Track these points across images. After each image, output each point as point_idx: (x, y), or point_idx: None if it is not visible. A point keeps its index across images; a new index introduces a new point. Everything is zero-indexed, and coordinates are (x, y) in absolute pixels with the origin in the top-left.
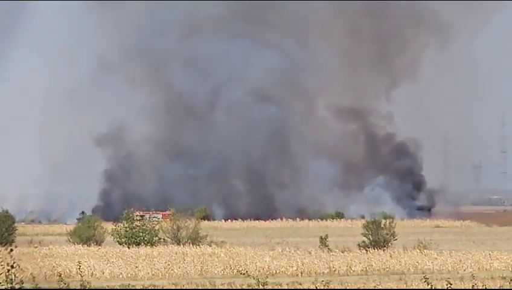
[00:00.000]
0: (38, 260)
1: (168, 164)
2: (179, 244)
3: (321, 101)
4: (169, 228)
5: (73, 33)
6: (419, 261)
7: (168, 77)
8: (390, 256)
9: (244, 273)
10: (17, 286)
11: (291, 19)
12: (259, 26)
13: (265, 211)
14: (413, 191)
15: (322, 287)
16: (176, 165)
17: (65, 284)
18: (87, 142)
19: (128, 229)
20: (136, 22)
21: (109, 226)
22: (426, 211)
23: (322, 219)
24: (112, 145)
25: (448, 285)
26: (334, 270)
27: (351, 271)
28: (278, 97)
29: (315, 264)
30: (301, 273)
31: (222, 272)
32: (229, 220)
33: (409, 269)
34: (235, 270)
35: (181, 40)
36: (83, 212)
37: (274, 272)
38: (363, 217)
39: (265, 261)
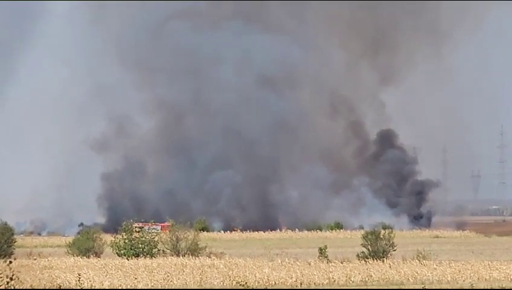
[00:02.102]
0: (38, 272)
1: (168, 170)
2: (178, 255)
3: (316, 99)
4: (169, 239)
5: (67, 36)
6: (418, 272)
7: (163, 73)
8: (390, 266)
9: (243, 285)
10: None
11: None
12: (258, 16)
13: (263, 220)
14: (409, 197)
15: None
16: (175, 171)
17: None
18: (87, 152)
19: (127, 240)
20: (130, 17)
21: (108, 237)
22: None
23: (320, 230)
24: (111, 147)
25: None
26: (334, 281)
27: (351, 282)
28: (276, 92)
29: (314, 275)
30: (300, 284)
31: (221, 283)
32: (228, 232)
33: (408, 279)
34: (234, 282)
35: (177, 32)
36: (81, 224)
37: (273, 283)
38: (362, 228)
39: (265, 272)
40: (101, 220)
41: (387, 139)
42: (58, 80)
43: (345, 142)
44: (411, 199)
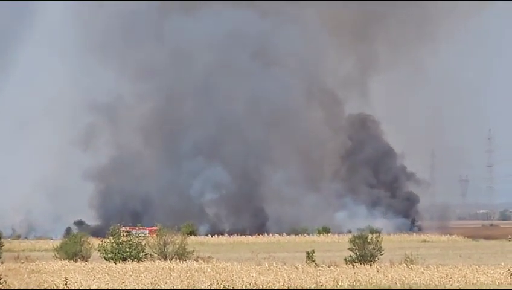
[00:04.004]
0: (25, 275)
1: (155, 170)
2: (165, 259)
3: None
4: (156, 243)
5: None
6: (406, 276)
7: (157, 63)
8: (377, 271)
9: (231, 289)
10: None
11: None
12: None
13: (251, 224)
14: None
15: None
16: (164, 173)
17: None
18: (76, 151)
19: (114, 244)
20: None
21: (96, 241)
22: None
23: (308, 234)
24: (99, 146)
25: None
26: (321, 285)
27: (338, 286)
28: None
29: (302, 279)
30: (288, 288)
31: (209, 287)
32: (215, 235)
33: (396, 283)
34: (221, 286)
35: (163, 17)
36: (69, 228)
37: (261, 287)
38: (349, 232)
39: (252, 276)
40: (94, 221)
41: (365, 124)
42: (49, 78)
43: (329, 136)
44: (389, 192)
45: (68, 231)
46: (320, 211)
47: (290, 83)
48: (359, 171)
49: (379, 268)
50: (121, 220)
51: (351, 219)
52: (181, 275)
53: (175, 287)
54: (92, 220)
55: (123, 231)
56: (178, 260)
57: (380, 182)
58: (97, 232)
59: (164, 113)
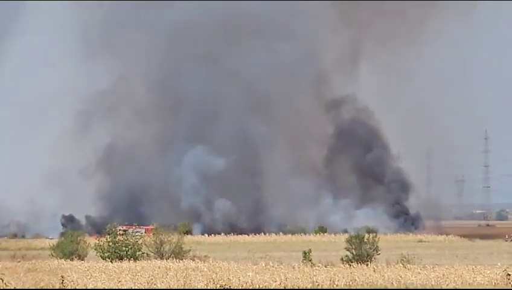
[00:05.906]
0: (21, 274)
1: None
2: (162, 258)
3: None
4: (153, 242)
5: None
6: (402, 276)
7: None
8: (374, 270)
9: (227, 288)
10: None
11: None
12: None
13: (248, 223)
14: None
15: None
16: (160, 163)
17: None
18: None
19: (111, 243)
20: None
21: (92, 240)
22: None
23: (305, 233)
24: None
25: None
26: (318, 285)
27: (334, 286)
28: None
29: (298, 279)
30: (284, 287)
31: (205, 286)
32: (212, 235)
33: (392, 283)
34: (218, 285)
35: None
36: (64, 226)
37: (257, 286)
38: (345, 232)
39: (249, 275)
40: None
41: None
42: (46, 76)
43: (320, 126)
44: (381, 186)
45: (61, 222)
46: (312, 202)
47: (283, 67)
48: (349, 164)
49: (375, 268)
50: (123, 214)
51: (338, 208)
52: (177, 275)
53: (171, 287)
54: (95, 214)
55: (119, 230)
56: (174, 259)
57: (371, 177)
58: (103, 225)
59: (159, 101)
